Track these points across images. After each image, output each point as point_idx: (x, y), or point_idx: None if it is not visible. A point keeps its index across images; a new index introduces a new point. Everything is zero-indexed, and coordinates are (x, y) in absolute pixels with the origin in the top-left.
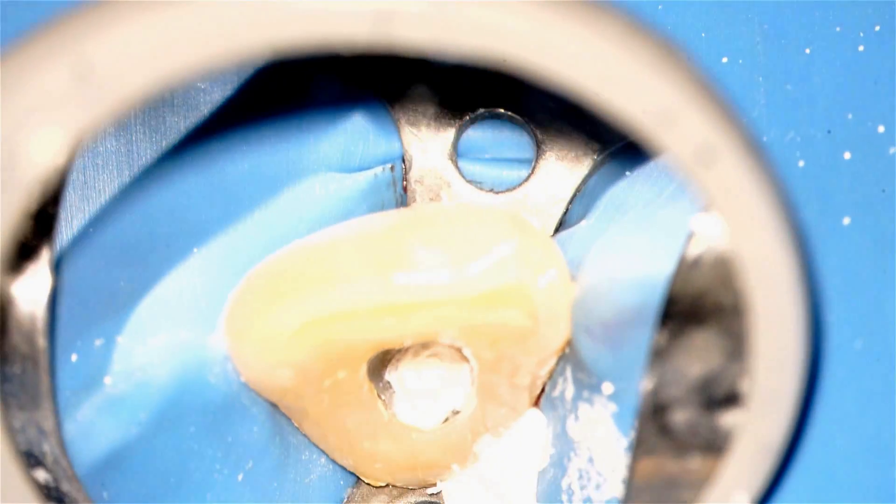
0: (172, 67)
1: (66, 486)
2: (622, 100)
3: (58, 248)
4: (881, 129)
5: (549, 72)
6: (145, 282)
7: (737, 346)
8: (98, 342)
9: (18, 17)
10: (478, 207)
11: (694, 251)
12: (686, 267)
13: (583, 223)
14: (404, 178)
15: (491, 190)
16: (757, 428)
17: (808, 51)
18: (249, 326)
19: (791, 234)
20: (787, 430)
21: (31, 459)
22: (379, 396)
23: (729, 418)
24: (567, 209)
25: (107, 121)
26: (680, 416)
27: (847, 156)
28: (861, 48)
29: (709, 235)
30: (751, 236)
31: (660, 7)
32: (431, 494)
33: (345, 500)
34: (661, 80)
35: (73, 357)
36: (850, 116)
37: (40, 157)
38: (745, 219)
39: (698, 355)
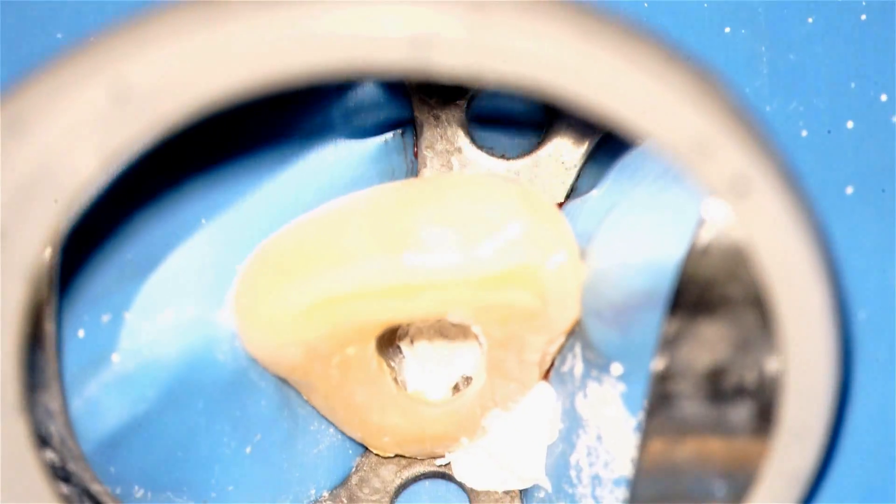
0: (210, 92)
1: (72, 466)
2: (659, 130)
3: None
4: (884, 97)
5: (586, 102)
6: (154, 255)
7: (746, 336)
8: (106, 317)
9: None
10: (487, 179)
11: (704, 238)
12: (696, 254)
13: (593, 192)
14: (415, 144)
15: (502, 156)
16: (787, 458)
17: (810, 20)
18: (258, 306)
19: (825, 266)
20: (818, 458)
21: (38, 440)
22: (389, 365)
23: (739, 408)
24: (578, 176)
25: (144, 142)
26: (688, 406)
27: (850, 125)
28: (863, 17)
29: (719, 223)
30: (785, 272)
31: None
32: (440, 465)
33: (353, 470)
34: (697, 112)
35: (81, 333)
36: (852, 85)
37: (77, 177)
38: (780, 255)
39: (707, 345)
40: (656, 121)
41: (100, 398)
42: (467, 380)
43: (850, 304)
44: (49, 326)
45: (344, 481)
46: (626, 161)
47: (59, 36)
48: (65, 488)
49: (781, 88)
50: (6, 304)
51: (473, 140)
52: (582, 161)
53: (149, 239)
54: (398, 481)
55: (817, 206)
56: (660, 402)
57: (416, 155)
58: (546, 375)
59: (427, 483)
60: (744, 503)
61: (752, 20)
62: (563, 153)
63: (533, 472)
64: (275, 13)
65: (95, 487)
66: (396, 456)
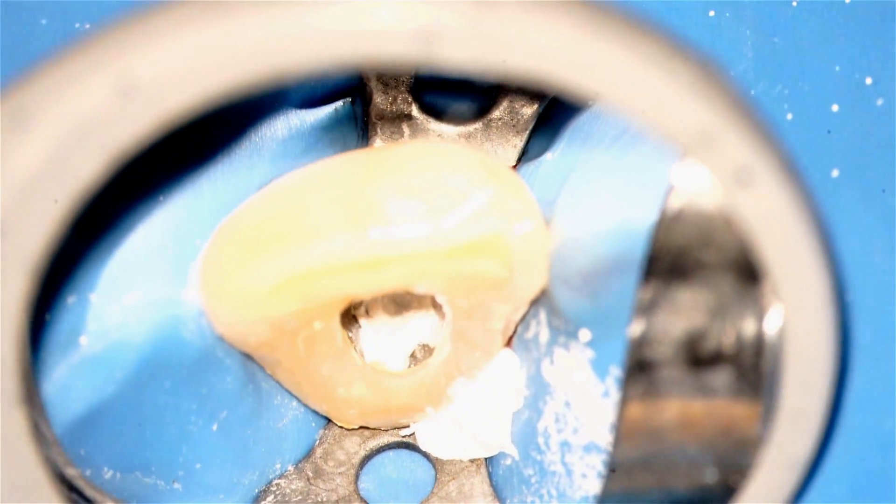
0: (217, 85)
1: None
2: (663, 120)
3: None
4: (868, 80)
5: (590, 93)
6: (114, 236)
7: (721, 301)
8: (71, 299)
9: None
10: (447, 149)
11: (675, 204)
12: (668, 220)
13: (547, 156)
14: (365, 112)
15: (452, 120)
16: (784, 445)
17: (794, 3)
18: (224, 284)
19: (826, 257)
20: (815, 443)
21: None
22: (350, 340)
23: (716, 374)
24: (528, 139)
25: (150, 137)
26: (666, 372)
27: (835, 108)
28: (847, 0)
29: (689, 189)
30: (788, 262)
31: None
32: (404, 436)
33: (317, 442)
34: (700, 102)
35: (47, 317)
36: (837, 68)
37: (82, 173)
38: (782, 245)
39: (682, 312)
40: (660, 112)
41: (69, 381)
42: (424, 347)
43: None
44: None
45: (308, 454)
46: (579, 123)
47: (54, 30)
48: None
49: (766, 72)
50: (6, 303)
51: (422, 106)
52: (533, 123)
53: (107, 219)
54: (363, 453)
55: None
56: (637, 367)
57: (366, 123)
58: (509, 343)
59: (391, 454)
60: (741, 490)
61: (737, 4)
62: (515, 116)
63: (498, 440)
64: (280, 6)
65: (69, 471)
66: (360, 428)
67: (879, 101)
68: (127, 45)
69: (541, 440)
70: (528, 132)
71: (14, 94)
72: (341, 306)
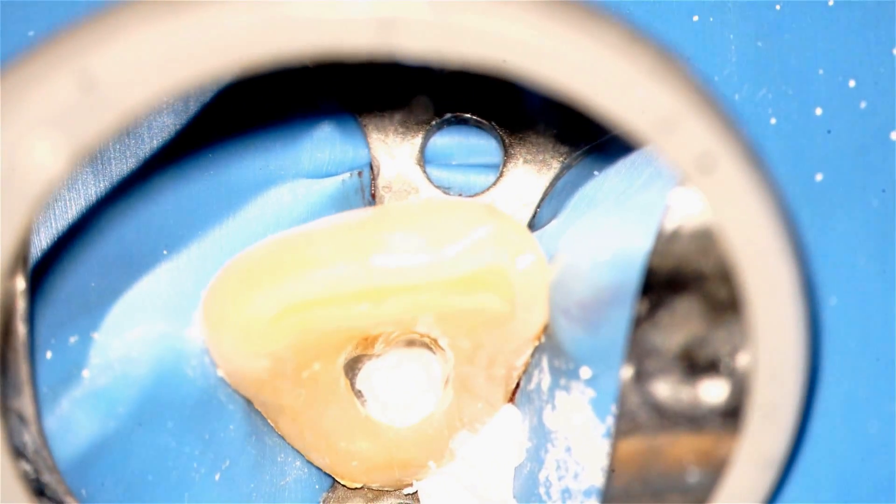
0: (175, 79)
1: (46, 478)
2: (623, 108)
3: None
4: (852, 83)
5: (551, 81)
6: (117, 285)
7: (718, 312)
8: (73, 339)
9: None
10: (451, 199)
11: (670, 224)
12: (664, 240)
13: (553, 222)
14: (372, 184)
15: (459, 194)
16: (758, 441)
17: (778, 7)
18: (226, 314)
19: (792, 243)
20: (789, 442)
21: (13, 450)
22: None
23: (712, 388)
24: (536, 213)
25: (111, 132)
26: (662, 388)
27: (818, 111)
28: (831, 2)
29: (685, 207)
30: (752, 248)
31: None
32: (407, 495)
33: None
34: (661, 89)
35: (48, 354)
36: (820, 72)
37: (45, 167)
38: (746, 231)
39: (679, 324)
40: (622, 98)
41: (71, 414)
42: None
43: (822, 291)
44: (21, 328)
45: None
46: (585, 191)
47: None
48: (38, 502)
49: (750, 76)
50: None
51: (430, 179)
52: (539, 197)
53: (112, 272)
54: None
55: (787, 193)
56: (632, 393)
57: (373, 195)
58: (512, 398)
59: None
60: (717, 488)
61: (720, 8)
62: (521, 190)
63: (501, 496)
64: None
65: (69, 501)
66: (363, 488)
67: (863, 104)
68: (87, 42)
69: (542, 490)
70: (534, 206)
71: None
72: (343, 345)
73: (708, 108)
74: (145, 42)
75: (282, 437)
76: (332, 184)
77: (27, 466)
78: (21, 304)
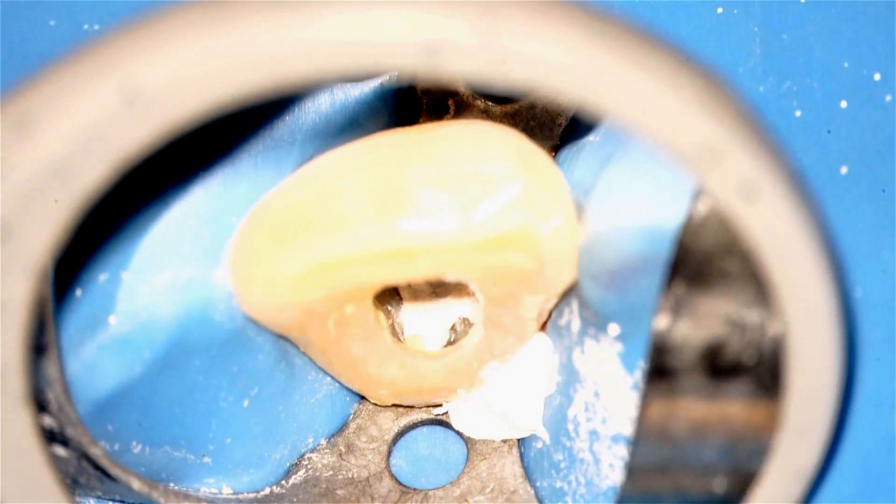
0: (222, 94)
1: (70, 431)
2: (667, 135)
3: None
4: (877, 76)
5: (595, 107)
6: (150, 213)
7: (744, 307)
8: (103, 277)
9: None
10: (482, 133)
11: (702, 209)
12: (694, 224)
13: (590, 138)
14: (411, 87)
15: (496, 99)
16: (789, 457)
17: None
18: (253, 270)
19: (833, 273)
20: (820, 457)
21: (36, 406)
22: (386, 311)
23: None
24: (572, 119)
25: (155, 144)
26: (687, 375)
27: (843, 104)
28: None
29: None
30: (794, 282)
31: None
32: (437, 414)
33: (351, 417)
34: (705, 117)
35: (78, 292)
36: (846, 65)
37: (86, 179)
38: (788, 263)
39: (703, 319)
40: (665, 126)
41: (97, 361)
42: (464, 321)
43: (848, 283)
44: (45, 289)
45: (341, 429)
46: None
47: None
48: (62, 451)
49: (774, 68)
50: (10, 304)
51: (468, 83)
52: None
53: (144, 196)
54: (396, 429)
55: (812, 185)
56: (659, 369)
57: (412, 98)
58: (543, 327)
59: (425, 430)
60: (746, 502)
61: (745, 1)
62: (559, 95)
63: (530, 422)
64: (284, 15)
65: (94, 451)
66: (394, 405)
67: (888, 97)
68: (132, 51)
69: (570, 427)
70: (571, 113)
71: (19, 98)
72: (372, 292)
73: (751, 136)
74: (191, 53)
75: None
76: (370, 87)
77: (51, 421)
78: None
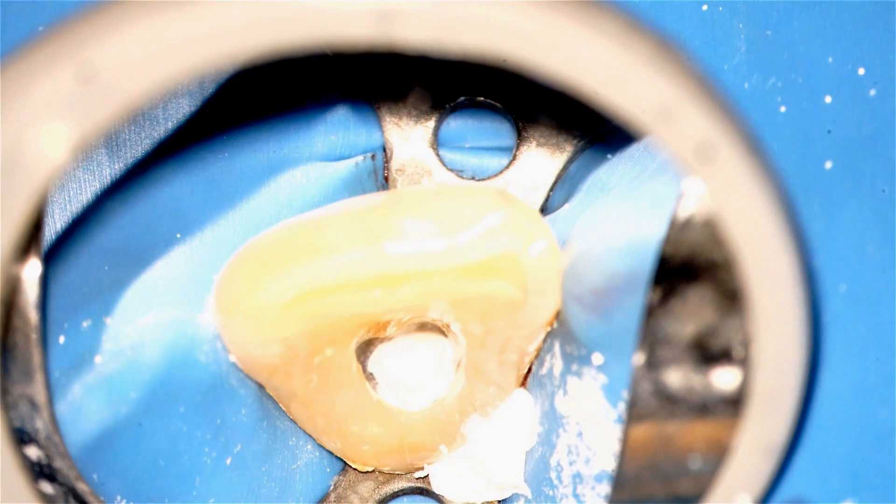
0: (175, 70)
1: (58, 463)
2: (622, 97)
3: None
4: (861, 71)
5: (550, 70)
6: (131, 269)
7: (730, 301)
8: (86, 324)
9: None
10: (464, 184)
11: (684, 212)
12: (677, 228)
13: (566, 206)
14: (385, 167)
15: (472, 178)
16: (759, 428)
17: None
18: (239, 301)
19: (792, 230)
20: (790, 429)
21: (23, 436)
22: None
23: (723, 376)
24: (548, 196)
25: (111, 122)
26: (674, 377)
27: (828, 99)
28: None
29: (699, 195)
30: (753, 238)
31: None
32: (418, 479)
33: (332, 488)
34: (660, 78)
35: (61, 339)
36: (830, 60)
37: (48, 155)
38: (746, 219)
39: (692, 312)
40: (620, 88)
41: (83, 400)
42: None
43: (831, 278)
44: (33, 314)
45: (322, 499)
46: (598, 175)
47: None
48: (49, 487)
49: (759, 64)
50: None
51: (443, 162)
52: (552, 180)
53: (126, 255)
54: (377, 497)
55: (796, 181)
56: (644, 382)
57: (386, 178)
58: (524, 382)
59: (405, 500)
60: (718, 475)
61: None
62: (533, 173)
63: (512, 480)
64: None
65: (81, 486)
66: (375, 471)
67: (872, 92)
68: (87, 34)
69: (553, 475)
70: (546, 189)
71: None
72: (356, 331)
73: (706, 97)
74: (144, 33)
75: (293, 422)
76: (345, 167)
77: (38, 452)
78: (34, 291)
